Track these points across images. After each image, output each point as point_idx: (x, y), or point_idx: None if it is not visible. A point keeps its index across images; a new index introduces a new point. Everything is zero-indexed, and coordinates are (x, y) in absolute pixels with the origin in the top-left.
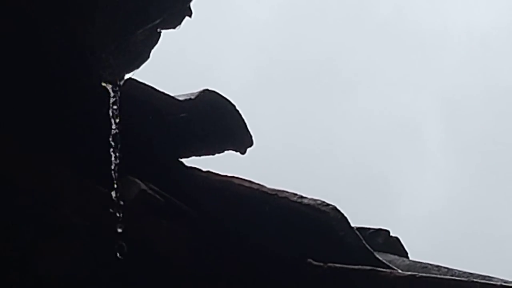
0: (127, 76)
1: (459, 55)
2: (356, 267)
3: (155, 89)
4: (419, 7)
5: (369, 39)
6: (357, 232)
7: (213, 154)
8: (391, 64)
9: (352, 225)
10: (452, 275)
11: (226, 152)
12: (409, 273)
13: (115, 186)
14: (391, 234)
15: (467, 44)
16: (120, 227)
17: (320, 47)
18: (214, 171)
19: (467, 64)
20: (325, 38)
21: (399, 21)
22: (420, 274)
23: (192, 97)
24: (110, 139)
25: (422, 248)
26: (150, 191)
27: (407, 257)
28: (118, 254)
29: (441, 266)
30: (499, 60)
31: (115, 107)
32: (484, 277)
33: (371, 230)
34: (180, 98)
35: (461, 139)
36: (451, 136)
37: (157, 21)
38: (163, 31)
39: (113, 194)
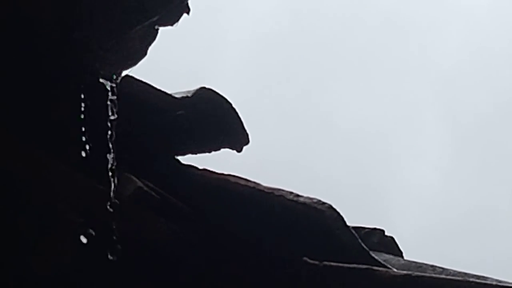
0: (124, 73)
1: (458, 39)
2: (351, 265)
3: (152, 86)
4: None
5: (367, 27)
6: (353, 231)
7: (209, 152)
8: (389, 51)
9: (348, 224)
10: (447, 275)
11: (222, 150)
12: (405, 272)
13: (112, 183)
14: (386, 233)
15: (466, 27)
16: (115, 224)
17: (316, 38)
18: (210, 169)
19: (466, 50)
20: (320, 29)
21: (399, 9)
22: (416, 273)
23: (189, 94)
24: (107, 136)
25: (418, 247)
26: (146, 189)
27: (402, 257)
28: (112, 251)
29: (436, 266)
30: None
31: (112, 103)
32: (479, 277)
33: (366, 230)
34: (177, 96)
35: (459, 132)
36: (448, 128)
37: (155, 18)
38: (160, 28)
39: (110, 191)
